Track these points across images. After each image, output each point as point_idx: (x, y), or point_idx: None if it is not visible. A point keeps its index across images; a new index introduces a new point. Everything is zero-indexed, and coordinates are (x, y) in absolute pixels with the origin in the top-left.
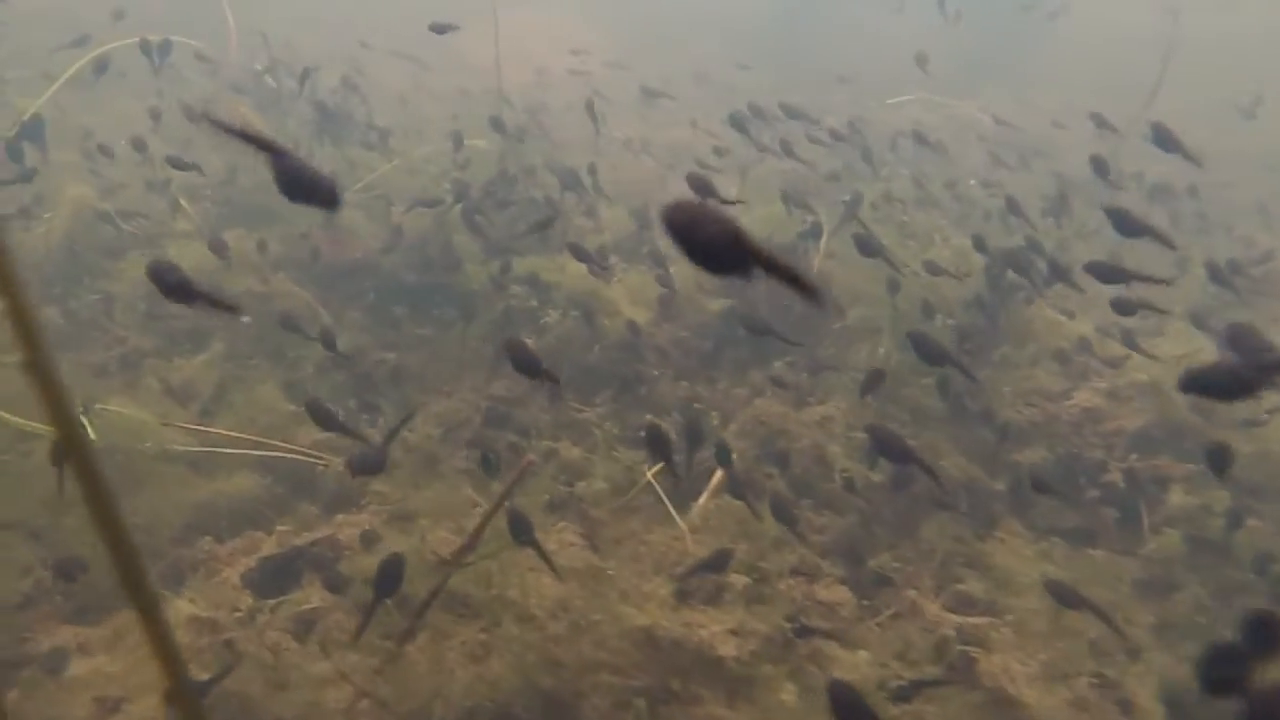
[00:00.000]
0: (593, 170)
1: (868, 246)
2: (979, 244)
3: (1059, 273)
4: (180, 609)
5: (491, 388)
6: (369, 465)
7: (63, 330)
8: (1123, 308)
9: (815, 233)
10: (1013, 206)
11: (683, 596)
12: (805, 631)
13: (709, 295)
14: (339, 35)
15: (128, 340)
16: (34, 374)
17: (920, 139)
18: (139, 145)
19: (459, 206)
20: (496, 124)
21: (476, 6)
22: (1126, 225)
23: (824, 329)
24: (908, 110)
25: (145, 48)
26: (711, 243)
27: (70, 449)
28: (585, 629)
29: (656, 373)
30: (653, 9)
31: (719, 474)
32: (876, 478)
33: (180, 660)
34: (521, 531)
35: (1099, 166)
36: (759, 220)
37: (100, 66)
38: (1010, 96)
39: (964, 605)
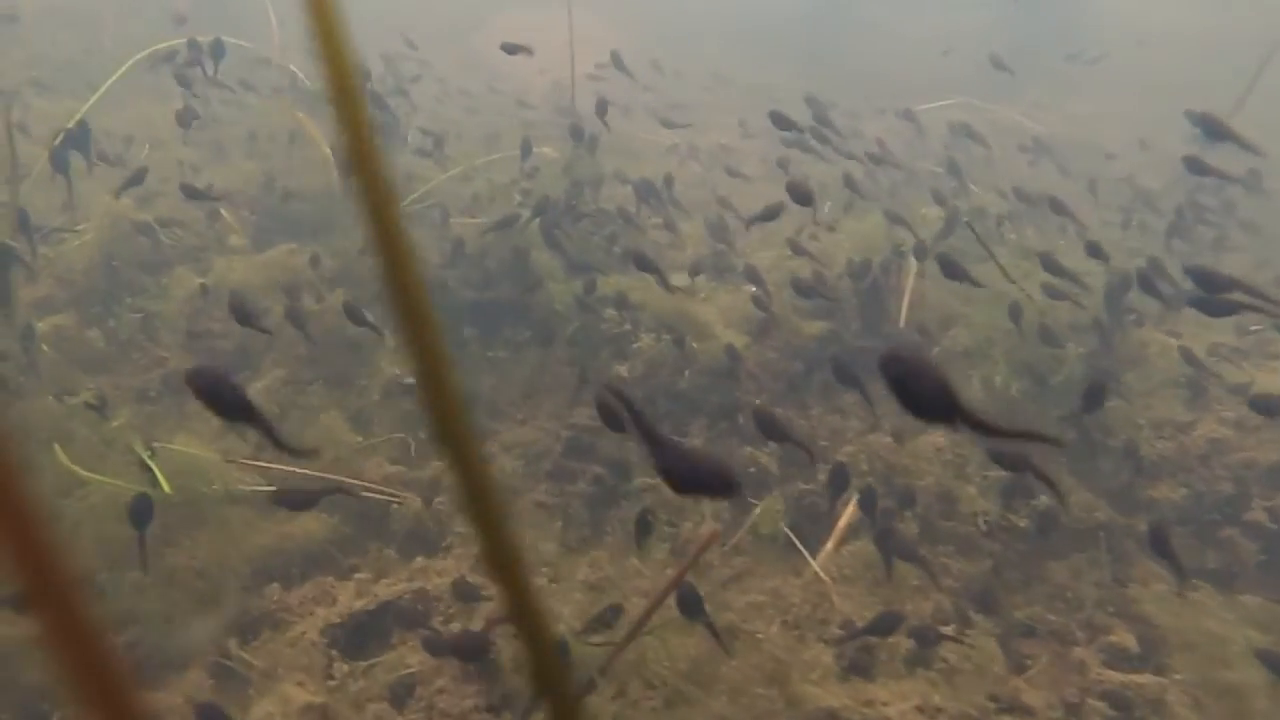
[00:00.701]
0: (669, 182)
1: (953, 269)
2: (1094, 251)
3: (1186, 295)
4: (289, 694)
5: (573, 415)
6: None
7: (102, 352)
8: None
9: (918, 250)
10: (1127, 222)
11: (845, 662)
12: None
13: (805, 317)
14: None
15: (169, 361)
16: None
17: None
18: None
19: (536, 221)
20: (576, 132)
21: (486, 7)
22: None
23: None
24: (950, 115)
25: (194, 51)
26: (927, 396)
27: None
28: (761, 712)
29: (757, 400)
30: (668, 7)
31: (848, 515)
32: (1021, 522)
33: None
34: (691, 606)
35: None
36: (855, 237)
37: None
38: (1054, 101)
39: (1121, 660)
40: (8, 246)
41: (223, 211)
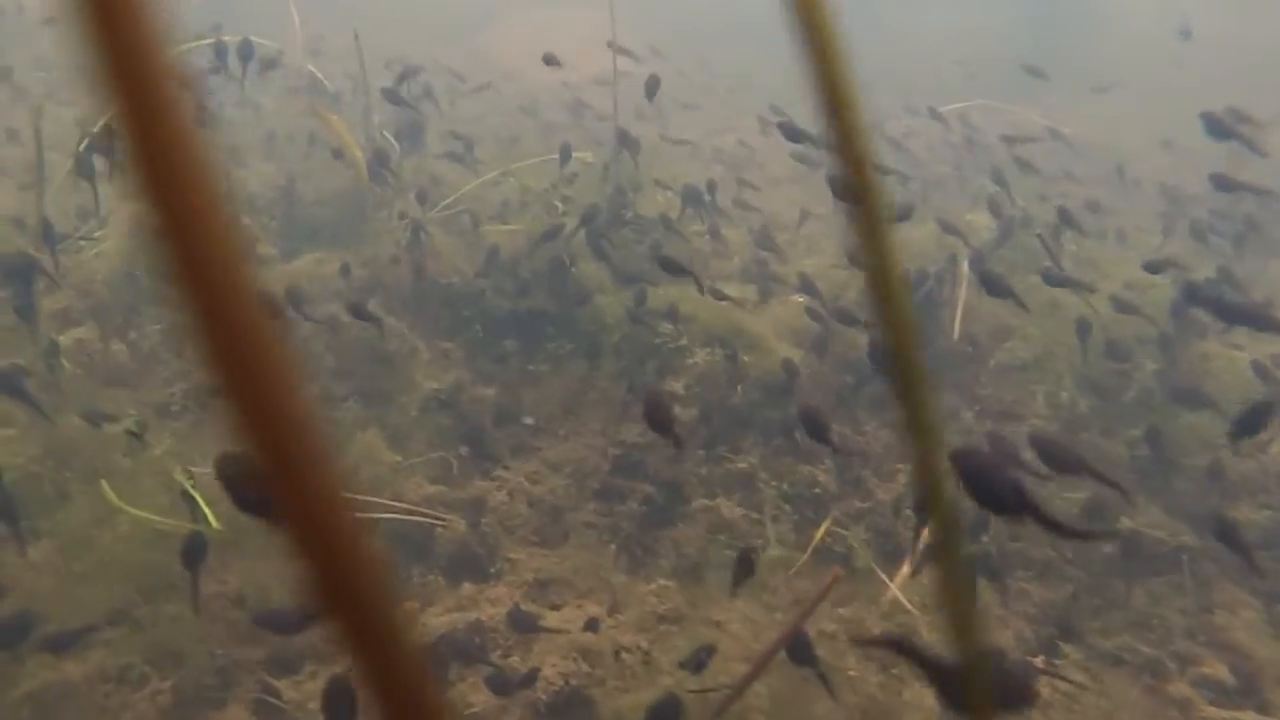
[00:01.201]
0: (712, 188)
1: (996, 286)
2: (1153, 269)
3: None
4: None
5: (620, 432)
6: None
7: (124, 367)
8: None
9: (975, 260)
10: (1197, 231)
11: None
12: None
13: (859, 328)
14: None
15: (192, 373)
16: None
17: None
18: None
19: (581, 231)
20: (624, 138)
21: (493, 6)
22: None
23: (971, 368)
24: (974, 118)
25: (222, 52)
26: (997, 492)
27: None
28: None
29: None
30: (678, 5)
31: (925, 537)
32: (1106, 549)
33: None
34: (802, 653)
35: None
36: (907, 245)
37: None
38: (1072, 103)
39: (1219, 694)
40: (31, 259)
41: (244, 219)
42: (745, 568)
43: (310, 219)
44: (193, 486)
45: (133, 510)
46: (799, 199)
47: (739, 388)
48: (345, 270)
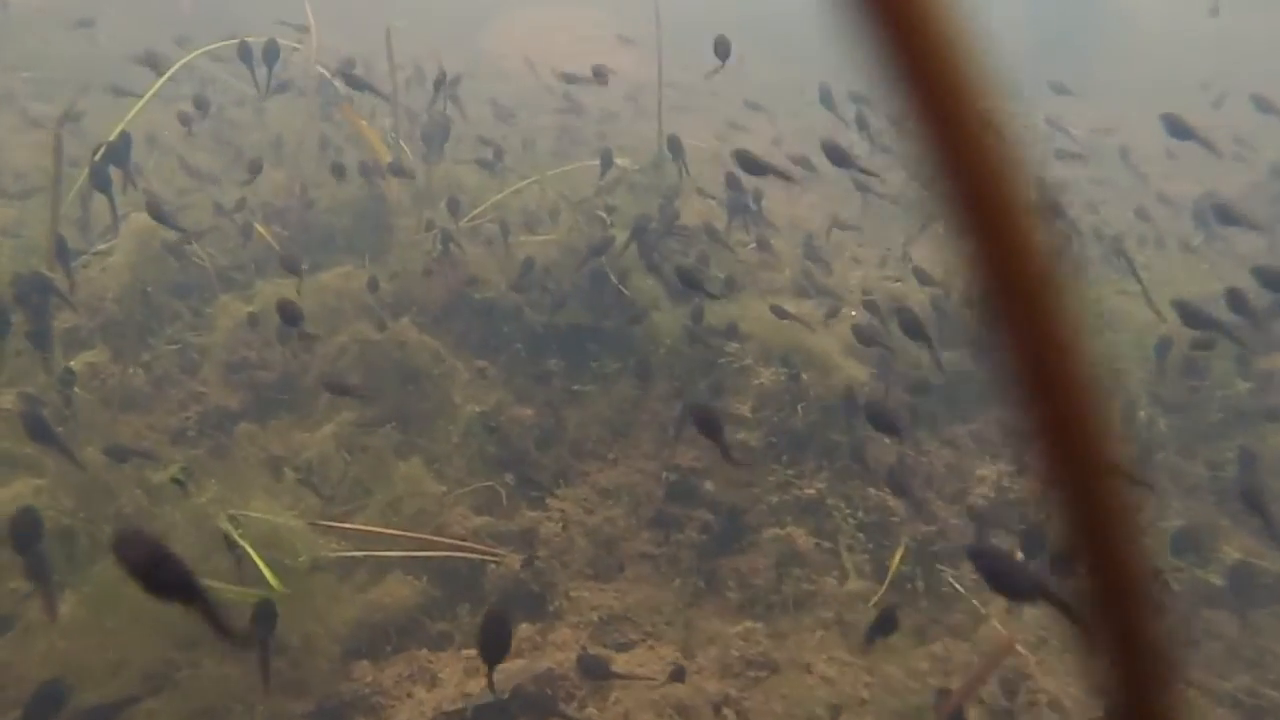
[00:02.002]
0: (758, 197)
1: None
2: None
3: None
4: None
5: (674, 455)
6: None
7: (138, 391)
8: None
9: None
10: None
11: None
12: None
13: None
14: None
15: (207, 396)
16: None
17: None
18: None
19: (631, 244)
20: (674, 145)
21: (493, 6)
22: None
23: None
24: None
25: (245, 54)
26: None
27: None
28: None
29: (886, 440)
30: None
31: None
32: (1215, 579)
33: None
34: None
35: None
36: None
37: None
38: (1068, 105)
39: None
40: (45, 279)
41: (257, 227)
42: (886, 626)
43: (326, 227)
44: (240, 535)
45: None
46: (819, 204)
47: (800, 408)
48: (373, 284)
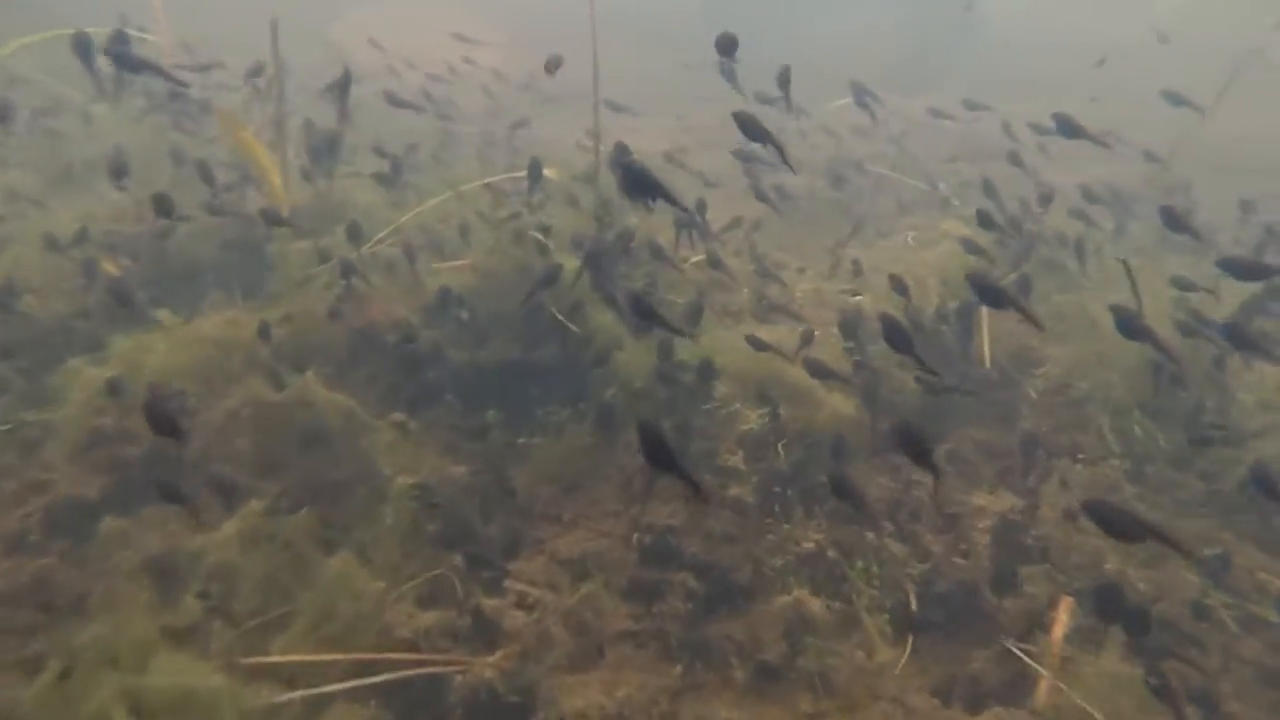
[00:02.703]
0: (702, 207)
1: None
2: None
3: None
4: None
5: (643, 511)
6: None
7: None
8: None
9: (1023, 285)
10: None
11: None
12: None
13: (899, 366)
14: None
15: (55, 485)
16: None
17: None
18: None
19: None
20: (622, 154)
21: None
22: None
23: (1010, 399)
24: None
25: (83, 48)
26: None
27: None
28: None
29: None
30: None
31: (1063, 612)
32: (1271, 615)
33: None
34: None
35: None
36: (941, 258)
37: None
38: (956, 98)
39: None
40: None
41: (105, 265)
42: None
43: (189, 259)
44: None
45: None
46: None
47: (780, 449)
48: (265, 332)
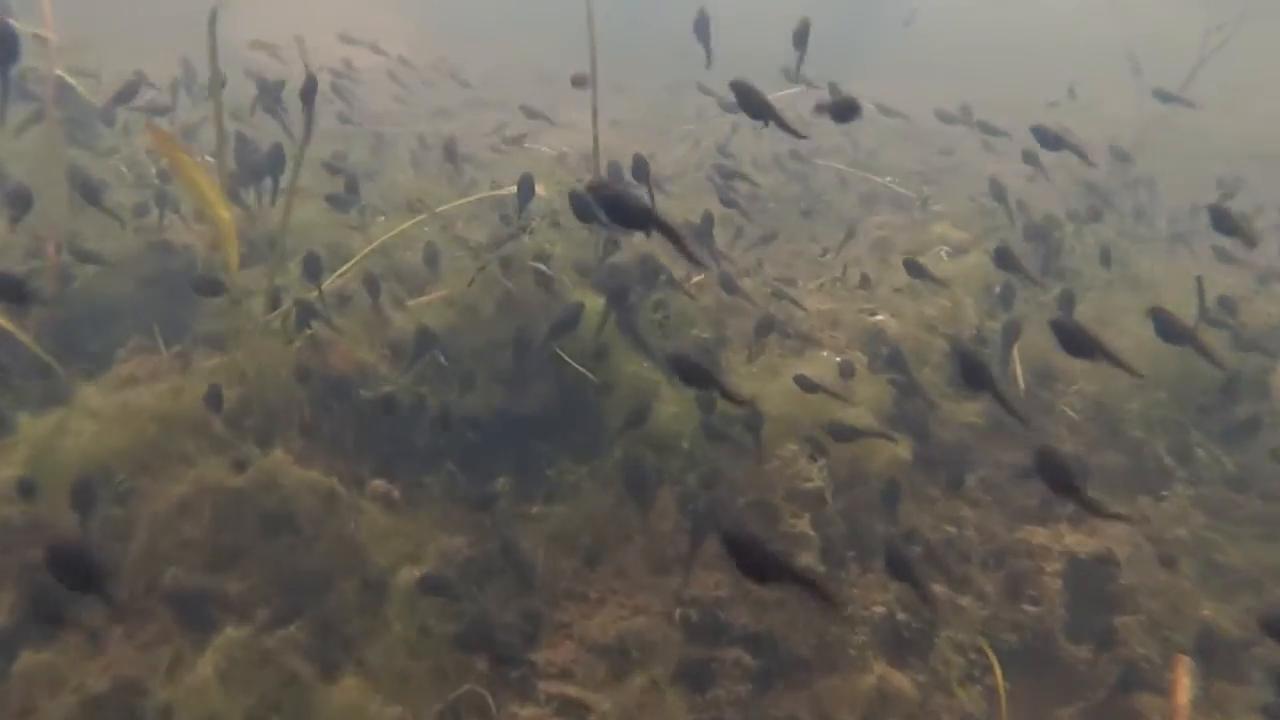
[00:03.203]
0: (708, 221)
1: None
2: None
3: None
4: None
5: (689, 583)
6: None
7: None
8: None
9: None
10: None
11: None
12: None
13: (951, 397)
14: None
15: None
16: None
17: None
18: None
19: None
20: (639, 166)
21: None
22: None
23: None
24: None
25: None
26: None
27: None
28: None
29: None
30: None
31: (1182, 674)
32: None
33: None
34: None
35: None
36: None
37: None
38: (899, 85)
39: None
40: None
41: None
42: None
43: (102, 302)
44: None
45: None
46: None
47: (829, 498)
48: (214, 400)
